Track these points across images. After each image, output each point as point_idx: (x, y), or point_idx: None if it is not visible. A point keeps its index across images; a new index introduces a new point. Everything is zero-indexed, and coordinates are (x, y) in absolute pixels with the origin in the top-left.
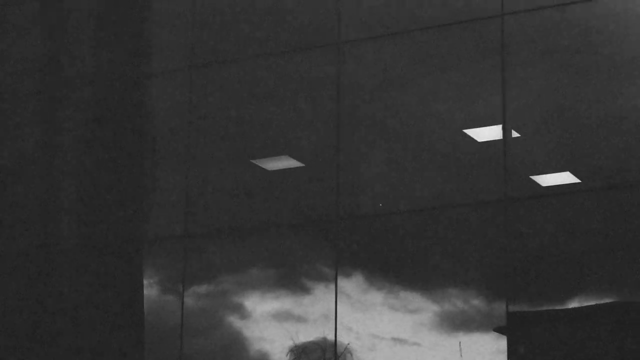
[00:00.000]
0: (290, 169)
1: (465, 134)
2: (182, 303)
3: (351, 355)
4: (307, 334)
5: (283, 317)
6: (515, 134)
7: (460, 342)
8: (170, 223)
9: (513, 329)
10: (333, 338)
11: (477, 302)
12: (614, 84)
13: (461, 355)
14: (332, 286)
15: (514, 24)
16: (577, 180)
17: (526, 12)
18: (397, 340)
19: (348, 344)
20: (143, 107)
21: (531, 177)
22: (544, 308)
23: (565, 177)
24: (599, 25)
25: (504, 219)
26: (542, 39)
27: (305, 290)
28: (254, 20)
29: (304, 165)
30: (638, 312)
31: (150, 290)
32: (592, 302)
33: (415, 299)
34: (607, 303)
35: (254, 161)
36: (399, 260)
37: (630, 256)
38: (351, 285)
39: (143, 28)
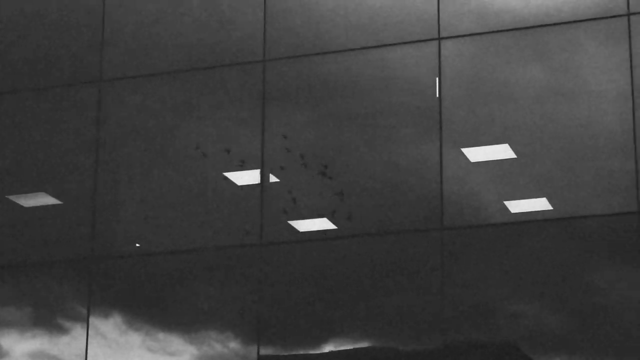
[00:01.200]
0: (47, 206)
1: (226, 177)
2: None
3: None
4: None
5: (39, 357)
6: (273, 179)
7: None
8: None
9: None
10: None
11: (234, 345)
12: (372, 132)
13: None
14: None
15: (274, 69)
16: (333, 227)
17: (287, 58)
18: None
19: None
20: None
21: (289, 222)
22: (298, 352)
23: (323, 223)
24: (360, 74)
25: (260, 262)
26: (303, 85)
27: (61, 330)
28: None
29: (61, 203)
30: (390, 356)
31: None
32: (347, 347)
33: (174, 341)
34: (361, 347)
35: (10, 197)
36: (158, 301)
37: (381, 302)
38: (109, 326)
39: None
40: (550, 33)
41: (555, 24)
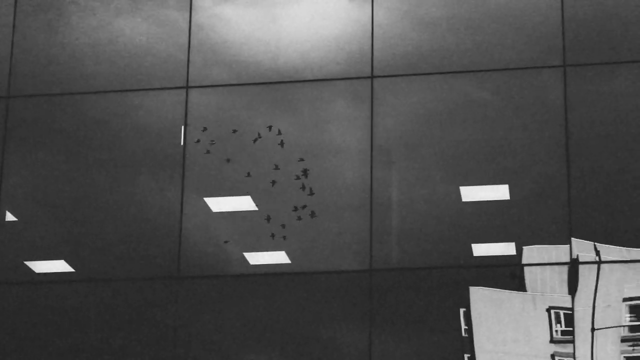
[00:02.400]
0: None
1: None
2: None
3: None
4: None
5: None
6: (11, 217)
7: None
8: None
9: None
10: None
11: None
12: (116, 176)
13: None
14: None
15: (18, 107)
16: (71, 270)
17: (31, 97)
18: None
19: None
20: None
21: (26, 262)
22: None
23: (60, 265)
24: (107, 118)
25: None
26: (47, 125)
27: None
28: None
29: None
30: None
31: None
32: None
33: None
34: None
35: None
36: None
37: (108, 345)
38: None
39: None
40: (298, 89)
41: (303, 81)
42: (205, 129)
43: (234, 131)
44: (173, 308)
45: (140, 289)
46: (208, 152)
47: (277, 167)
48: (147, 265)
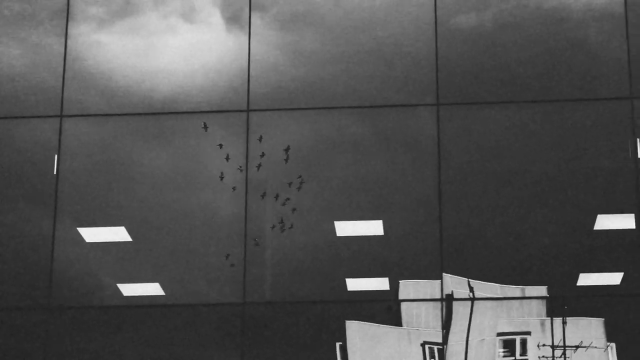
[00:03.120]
0: None
1: None
2: None
3: None
4: None
5: None
6: None
7: None
8: None
9: None
10: None
11: None
12: None
13: None
14: None
15: None
16: None
17: None
18: None
19: None
20: None
21: None
22: None
23: None
24: None
25: None
26: None
27: None
28: None
29: None
30: None
31: None
32: None
33: None
34: None
35: None
36: None
37: None
38: None
39: None
40: (174, 120)
41: (179, 113)
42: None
43: (107, 161)
44: (44, 338)
45: (11, 318)
46: (79, 183)
47: (152, 197)
48: (19, 295)
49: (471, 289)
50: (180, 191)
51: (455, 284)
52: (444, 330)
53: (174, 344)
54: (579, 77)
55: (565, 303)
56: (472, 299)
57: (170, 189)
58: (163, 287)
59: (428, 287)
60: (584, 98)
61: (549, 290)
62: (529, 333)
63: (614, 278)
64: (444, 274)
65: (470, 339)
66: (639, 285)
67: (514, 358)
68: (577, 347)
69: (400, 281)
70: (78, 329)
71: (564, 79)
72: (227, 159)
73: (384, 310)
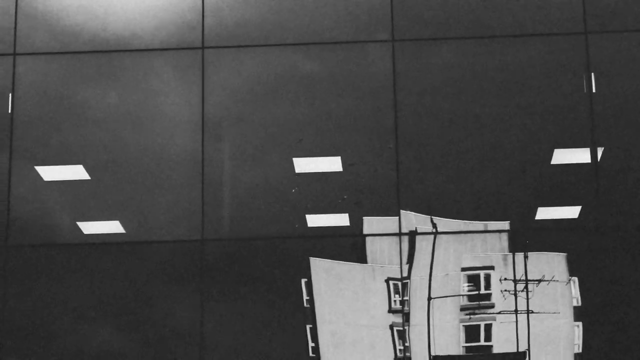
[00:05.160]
0: None
1: None
2: None
3: None
4: None
5: None
6: None
7: None
8: None
9: None
10: None
11: None
12: None
13: None
14: None
15: None
16: None
17: None
18: None
19: None
20: None
21: None
22: None
23: None
24: None
25: None
26: None
27: None
28: None
29: None
30: None
31: None
32: None
33: None
34: None
35: None
36: None
37: None
38: None
39: None
40: (127, 58)
41: (132, 50)
42: None
43: (62, 100)
44: (2, 278)
45: None
46: (35, 122)
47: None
48: None
49: (434, 225)
50: (135, 130)
51: (419, 222)
52: (408, 264)
53: (134, 282)
54: (534, 13)
55: (526, 237)
56: (435, 233)
57: (124, 128)
58: (123, 224)
59: (391, 224)
60: (538, 33)
61: (510, 225)
62: (492, 267)
63: (572, 212)
64: (407, 211)
65: (434, 274)
66: (595, 218)
67: (478, 292)
68: (539, 281)
69: (364, 218)
70: (37, 268)
71: (520, 15)
72: (184, 99)
73: (348, 247)
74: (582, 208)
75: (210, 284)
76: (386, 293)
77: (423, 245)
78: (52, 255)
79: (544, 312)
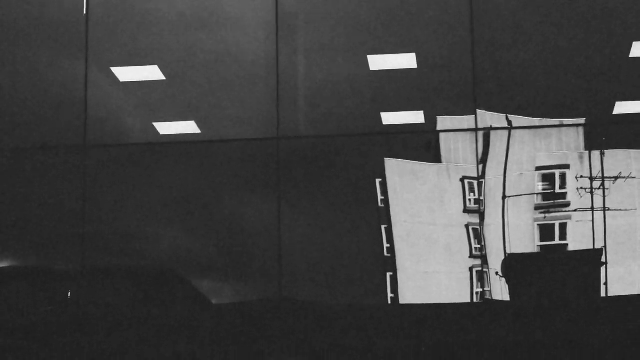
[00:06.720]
0: None
1: None
2: None
3: None
4: None
5: None
6: None
7: None
8: None
9: None
10: None
11: None
12: (15, 48)
13: None
14: None
15: None
16: None
17: None
18: None
19: None
20: None
21: None
22: None
23: None
24: None
25: None
26: None
27: None
28: None
29: None
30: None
31: None
32: None
33: None
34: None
35: None
36: None
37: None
38: None
39: None
40: None
41: None
42: None
43: (133, 3)
44: (81, 177)
45: (49, 157)
46: (108, 24)
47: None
48: (55, 134)
49: (509, 122)
50: (205, 32)
51: (493, 120)
52: (482, 164)
53: (210, 181)
54: None
55: (603, 134)
56: (510, 128)
57: (196, 30)
58: (198, 124)
59: (465, 123)
60: None
61: (587, 121)
62: (567, 166)
63: None
64: (482, 110)
65: (508, 173)
66: None
67: (553, 191)
68: (616, 178)
69: (437, 117)
70: (114, 167)
71: None
72: None
73: (423, 146)
74: None
75: (286, 182)
76: (461, 192)
77: (497, 144)
78: (129, 155)
79: (621, 209)
